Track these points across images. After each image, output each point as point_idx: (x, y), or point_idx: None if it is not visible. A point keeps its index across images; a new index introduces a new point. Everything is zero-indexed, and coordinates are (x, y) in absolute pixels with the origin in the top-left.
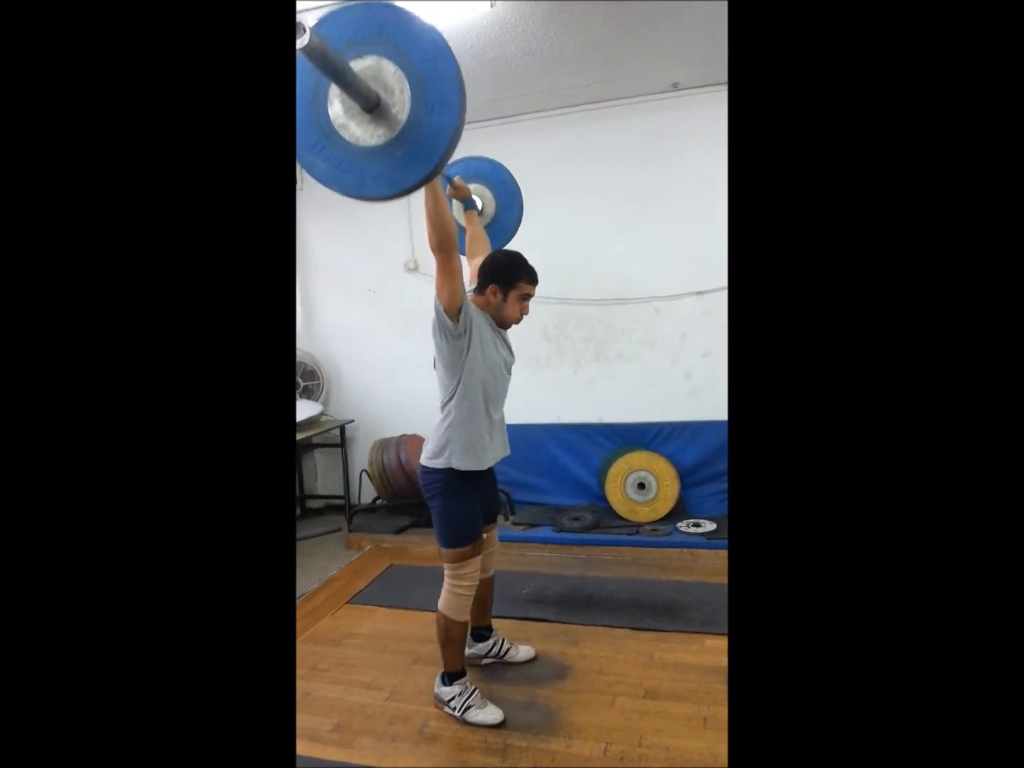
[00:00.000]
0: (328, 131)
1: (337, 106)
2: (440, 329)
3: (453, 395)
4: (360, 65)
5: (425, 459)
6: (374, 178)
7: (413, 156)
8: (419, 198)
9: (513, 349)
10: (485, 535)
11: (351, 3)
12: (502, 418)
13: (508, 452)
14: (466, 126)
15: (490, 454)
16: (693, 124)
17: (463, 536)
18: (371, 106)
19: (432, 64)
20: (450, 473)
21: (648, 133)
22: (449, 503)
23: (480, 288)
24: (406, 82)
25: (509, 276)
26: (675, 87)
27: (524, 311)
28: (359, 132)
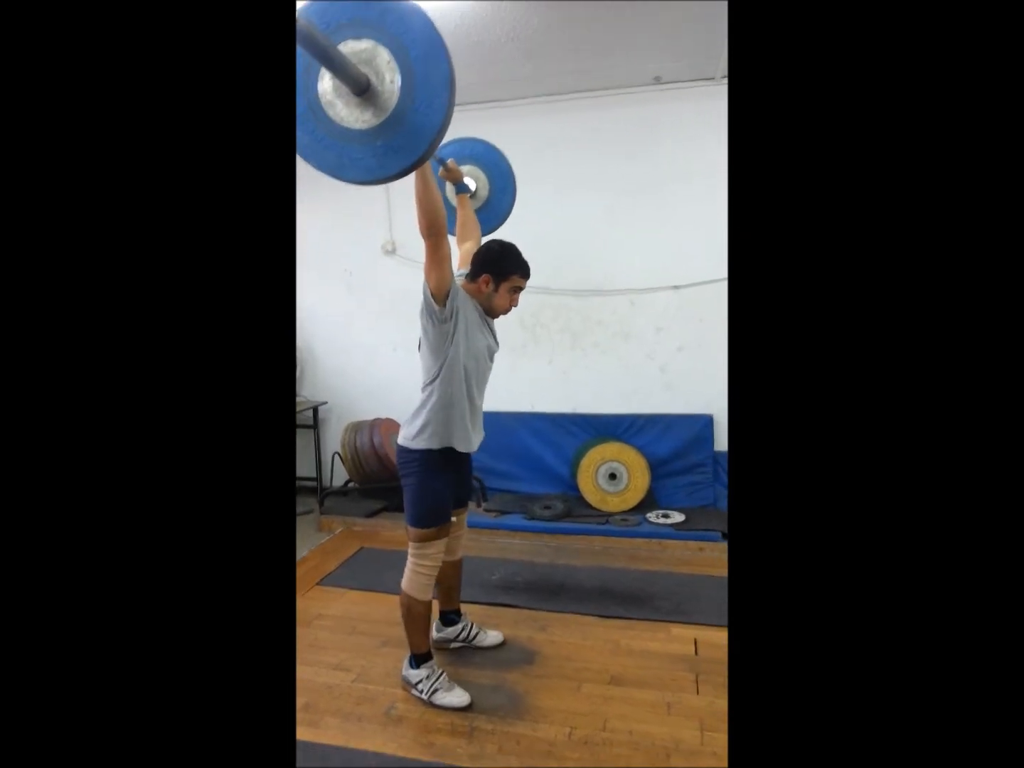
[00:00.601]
0: (315, 105)
1: (327, 82)
2: (427, 312)
3: (436, 378)
4: (356, 47)
5: (403, 439)
6: (352, 161)
7: (394, 148)
8: (400, 181)
9: (498, 338)
10: (454, 518)
11: None
12: (481, 404)
13: (483, 436)
14: None
15: (469, 438)
16: (675, 119)
17: (432, 517)
18: (360, 90)
19: (425, 63)
20: (428, 454)
21: (630, 126)
22: (423, 483)
23: (472, 276)
24: (398, 74)
25: (502, 268)
26: (657, 81)
27: (514, 303)
28: (345, 113)
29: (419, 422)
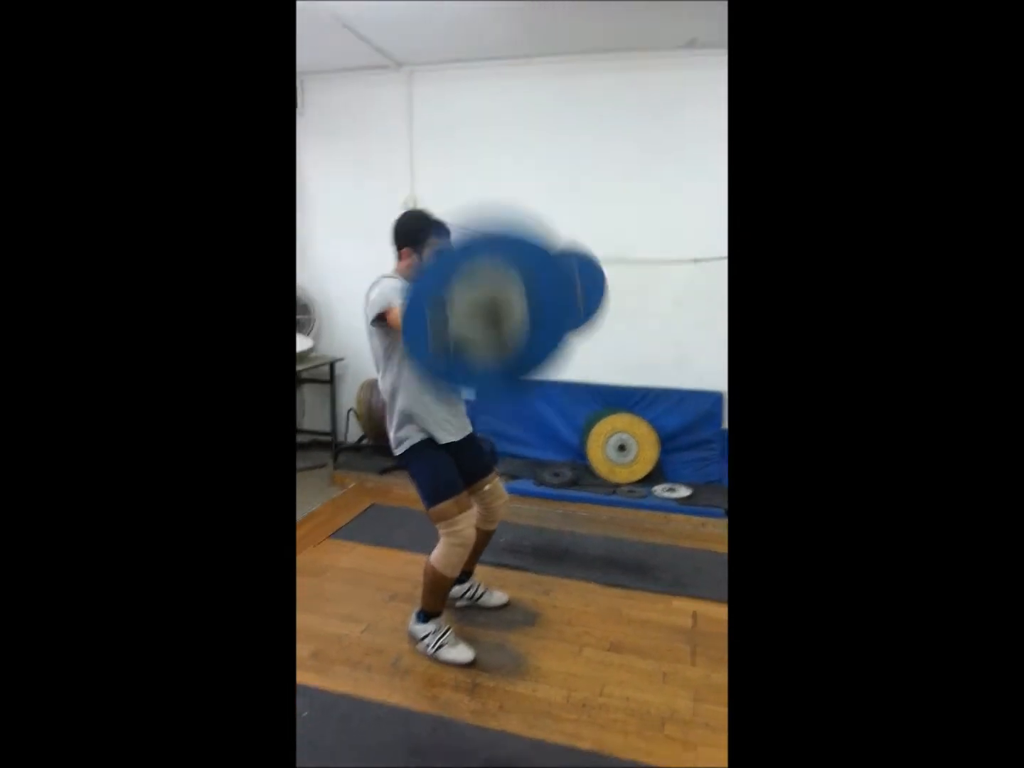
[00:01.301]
0: (440, 316)
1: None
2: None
3: (392, 379)
4: (494, 274)
5: (392, 442)
6: (458, 373)
7: (499, 375)
8: (418, 128)
9: None
10: (487, 487)
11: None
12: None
13: (467, 423)
14: (476, 65)
15: (447, 429)
16: (703, 87)
17: (442, 491)
18: (488, 324)
19: (556, 313)
20: (415, 445)
21: (659, 91)
22: (418, 465)
23: (397, 256)
24: (527, 312)
25: (418, 235)
26: (691, 44)
27: None
28: (467, 331)
29: (396, 426)
